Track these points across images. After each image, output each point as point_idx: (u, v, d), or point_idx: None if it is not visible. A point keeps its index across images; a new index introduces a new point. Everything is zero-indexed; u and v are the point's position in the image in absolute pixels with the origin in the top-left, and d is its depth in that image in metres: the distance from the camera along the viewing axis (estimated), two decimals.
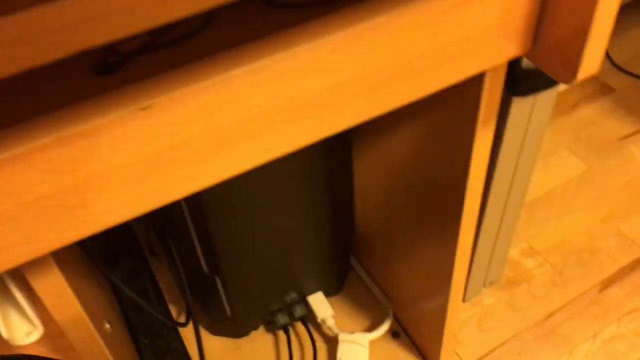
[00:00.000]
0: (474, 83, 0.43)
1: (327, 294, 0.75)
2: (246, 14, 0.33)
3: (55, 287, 0.35)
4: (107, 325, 0.53)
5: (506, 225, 0.62)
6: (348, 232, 0.74)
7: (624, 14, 1.38)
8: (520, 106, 0.47)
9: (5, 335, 0.34)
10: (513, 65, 0.46)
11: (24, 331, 0.35)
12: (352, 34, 0.31)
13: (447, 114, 0.47)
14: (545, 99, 0.47)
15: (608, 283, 1.01)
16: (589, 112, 1.24)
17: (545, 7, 0.36)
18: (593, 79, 1.29)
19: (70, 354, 0.42)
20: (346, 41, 0.32)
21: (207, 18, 0.32)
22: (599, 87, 1.28)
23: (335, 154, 0.62)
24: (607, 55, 1.32)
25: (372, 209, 0.69)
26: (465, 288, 0.73)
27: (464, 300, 0.86)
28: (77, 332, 0.41)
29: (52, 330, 0.38)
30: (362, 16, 0.32)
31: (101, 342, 0.44)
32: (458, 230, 0.54)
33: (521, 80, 0.45)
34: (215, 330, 0.74)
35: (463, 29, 0.35)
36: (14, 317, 0.36)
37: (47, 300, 0.34)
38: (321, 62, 0.32)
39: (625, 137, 1.19)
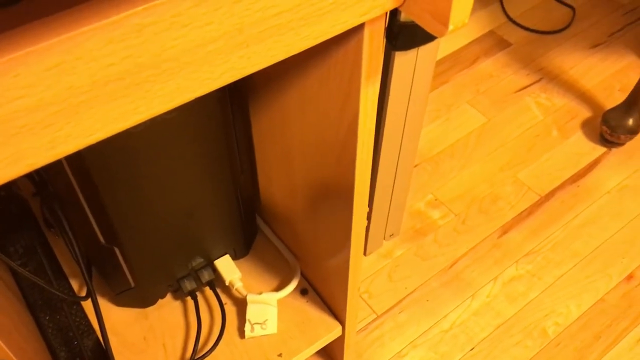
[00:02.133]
0: (355, 37, 0.43)
1: (235, 257, 0.75)
2: None
3: None
4: None
5: (400, 179, 0.63)
6: (252, 193, 0.74)
7: None
8: (403, 60, 0.48)
9: None
10: (393, 21, 0.46)
11: None
12: None
13: (332, 71, 0.47)
14: (427, 52, 0.48)
15: (507, 228, 1.07)
16: (488, 66, 1.28)
17: None
18: (491, 34, 1.34)
19: None
20: None
21: None
22: (497, 42, 1.32)
23: (230, 113, 0.61)
24: (503, 9, 1.36)
25: (273, 170, 0.69)
26: (366, 242, 0.75)
27: (365, 254, 0.88)
28: None
29: None
30: None
31: None
32: (353, 187, 0.55)
33: (401, 34, 0.45)
34: (120, 302, 0.72)
35: None
36: None
37: None
38: (184, 15, 0.30)
39: (521, 89, 1.25)
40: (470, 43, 1.33)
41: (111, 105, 0.31)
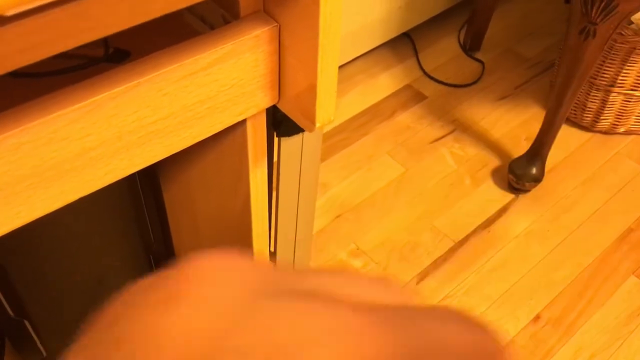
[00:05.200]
0: (240, 128, 0.47)
1: None
2: None
3: None
4: None
5: (301, 247, 0.68)
6: (166, 259, 0.76)
7: (434, 27, 1.52)
8: (289, 145, 0.53)
9: None
10: (276, 111, 0.51)
11: None
12: (90, 105, 0.34)
13: (225, 154, 0.51)
14: (311, 137, 0.53)
15: (424, 274, 1.13)
16: (405, 118, 1.36)
17: (282, 68, 0.41)
18: (408, 87, 1.42)
19: None
20: (86, 111, 0.34)
21: None
22: (413, 95, 1.40)
23: (137, 185, 0.64)
24: (419, 64, 1.45)
25: (184, 235, 0.72)
26: None
27: None
28: None
29: None
30: (100, 86, 0.34)
31: None
32: (252, 255, 0.58)
33: (283, 123, 0.50)
34: None
35: (208, 90, 0.39)
36: None
37: None
38: (62, 131, 0.34)
39: (436, 139, 1.33)
40: (388, 96, 1.40)
41: None
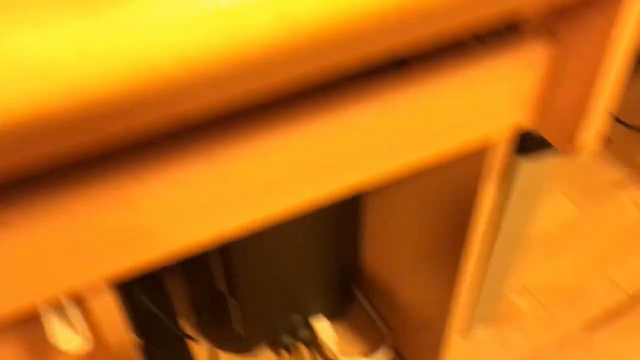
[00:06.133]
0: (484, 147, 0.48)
1: (331, 320, 0.80)
2: None
3: (107, 305, 0.39)
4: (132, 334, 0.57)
5: (504, 269, 0.66)
6: (353, 265, 0.79)
7: None
8: (529, 169, 0.52)
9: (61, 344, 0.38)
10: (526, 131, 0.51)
11: (75, 343, 0.39)
12: (388, 100, 0.36)
13: (456, 170, 0.52)
14: (551, 162, 0.52)
15: (595, 325, 1.06)
16: (585, 159, 1.29)
17: (553, 85, 0.41)
18: None
19: None
20: (380, 106, 0.37)
21: None
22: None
23: (354, 206, 0.67)
24: None
25: (379, 246, 0.74)
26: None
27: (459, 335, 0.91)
28: (118, 344, 0.45)
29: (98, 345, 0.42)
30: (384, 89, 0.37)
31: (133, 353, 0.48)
32: (459, 274, 0.58)
33: (533, 145, 0.49)
34: (220, 345, 0.78)
35: (471, 103, 0.40)
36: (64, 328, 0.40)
37: (100, 317, 0.38)
38: (355, 122, 0.36)
39: (618, 185, 1.25)
40: None
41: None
